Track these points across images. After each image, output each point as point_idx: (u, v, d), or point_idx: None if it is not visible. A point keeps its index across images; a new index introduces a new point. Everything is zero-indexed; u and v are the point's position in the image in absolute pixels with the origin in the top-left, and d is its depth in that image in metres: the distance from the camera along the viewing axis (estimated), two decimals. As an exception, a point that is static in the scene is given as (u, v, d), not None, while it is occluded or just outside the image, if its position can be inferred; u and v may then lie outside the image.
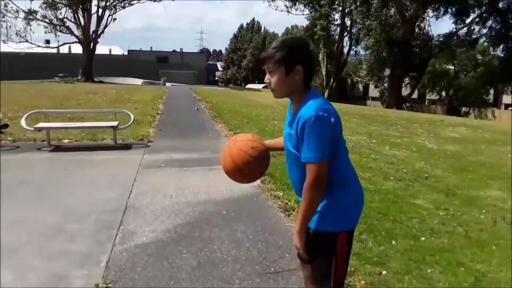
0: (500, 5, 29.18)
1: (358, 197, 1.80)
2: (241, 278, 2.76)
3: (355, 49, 36.60)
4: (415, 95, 38.85)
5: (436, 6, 29.75)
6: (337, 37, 36.19)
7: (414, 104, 36.57)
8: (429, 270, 2.91)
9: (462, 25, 30.67)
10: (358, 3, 30.72)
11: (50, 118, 7.92)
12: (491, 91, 40.66)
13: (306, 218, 1.66)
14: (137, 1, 33.13)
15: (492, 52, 33.89)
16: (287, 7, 35.78)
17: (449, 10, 30.39)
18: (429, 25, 43.47)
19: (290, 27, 60.62)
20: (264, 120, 10.75)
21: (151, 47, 69.59)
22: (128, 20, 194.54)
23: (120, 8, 32.93)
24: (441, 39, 30.98)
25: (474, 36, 31.29)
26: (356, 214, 1.79)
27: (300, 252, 1.73)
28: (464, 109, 37.03)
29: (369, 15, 28.26)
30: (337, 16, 35.36)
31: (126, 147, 7.28)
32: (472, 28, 30.95)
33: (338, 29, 36.05)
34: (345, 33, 36.70)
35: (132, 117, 7.93)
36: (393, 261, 3.01)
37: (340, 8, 34.08)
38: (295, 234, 1.70)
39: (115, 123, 7.45)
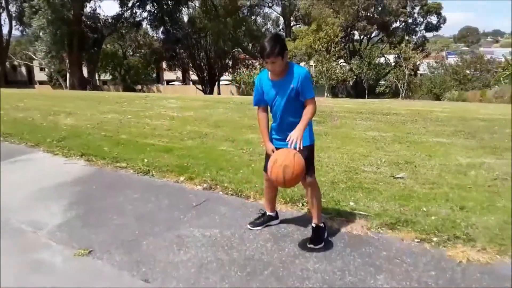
0: (155, -8, 33.41)
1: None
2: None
3: (21, 29, 32.61)
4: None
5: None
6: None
7: (96, 85, 36.96)
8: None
9: (126, 8, 33.24)
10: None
11: None
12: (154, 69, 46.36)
13: (305, 125, 2.71)
14: None
15: (154, 35, 38.48)
16: None
17: (112, -8, 32.17)
18: (99, 6, 43.75)
19: None
20: None
21: None
22: None
23: None
24: (110, 20, 32.53)
25: (137, 19, 34.66)
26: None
27: (298, 141, 2.61)
28: (138, 87, 40.79)
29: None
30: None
31: None
32: (134, 11, 34.11)
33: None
34: (1, 11, 31.96)
35: None
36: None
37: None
38: (299, 132, 2.63)
39: None
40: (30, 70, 50.91)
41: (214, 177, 4.33)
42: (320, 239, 2.94)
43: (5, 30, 34.06)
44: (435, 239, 2.96)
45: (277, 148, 2.85)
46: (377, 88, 28.62)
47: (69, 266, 2.68)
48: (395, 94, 26.65)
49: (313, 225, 2.98)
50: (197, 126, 7.56)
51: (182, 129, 7.20)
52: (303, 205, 3.63)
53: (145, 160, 4.99)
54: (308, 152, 2.81)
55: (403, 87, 26.12)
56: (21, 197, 3.91)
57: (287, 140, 2.63)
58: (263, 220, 3.23)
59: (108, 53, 39.82)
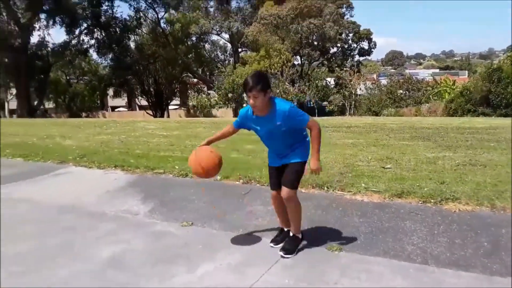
0: (102, 19, 33.63)
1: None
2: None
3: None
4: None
5: (47, 16, 30.45)
6: None
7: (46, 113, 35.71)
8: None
9: (73, 36, 33.01)
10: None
11: None
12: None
13: (318, 151, 2.97)
14: None
15: (102, 61, 38.25)
16: None
17: (59, 20, 31.92)
18: (48, 34, 42.39)
19: None
20: None
21: None
22: None
23: None
24: (57, 48, 32.08)
25: (84, 46, 34.47)
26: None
27: (320, 170, 3.03)
28: (83, 114, 39.93)
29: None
30: None
31: None
32: (82, 39, 33.97)
33: None
34: None
35: None
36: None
37: None
38: (317, 162, 2.98)
39: None
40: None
41: (245, 175, 5.29)
42: (292, 250, 3.11)
43: None
44: (432, 201, 4.17)
45: (275, 167, 3.15)
46: (326, 108, 30.97)
47: (182, 232, 3.53)
48: (341, 112, 29.05)
49: (290, 234, 3.22)
50: (196, 142, 8.42)
51: (184, 144, 8.03)
52: (328, 188, 4.72)
53: (176, 167, 5.81)
54: (299, 167, 3.04)
55: (350, 106, 28.63)
56: (94, 198, 4.60)
57: (310, 173, 3.09)
58: (283, 237, 3.31)
59: (52, 81, 38.84)
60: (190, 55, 37.42)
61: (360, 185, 4.76)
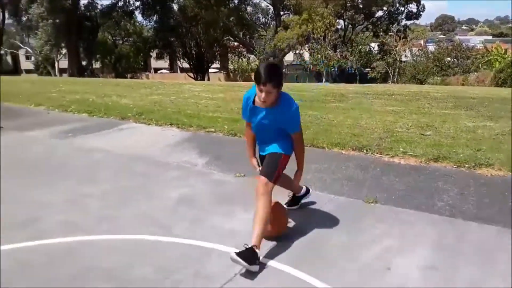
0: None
1: None
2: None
3: (15, 19, 32.72)
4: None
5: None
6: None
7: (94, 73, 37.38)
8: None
9: (119, -3, 33.77)
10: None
11: None
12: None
13: (302, 167, 2.99)
14: None
15: (146, 23, 39.03)
16: None
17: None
18: None
19: None
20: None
21: None
22: None
23: None
24: (104, 9, 33.04)
25: (130, 8, 35.22)
26: None
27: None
28: (128, 75, 41.37)
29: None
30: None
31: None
32: (128, 0, 34.67)
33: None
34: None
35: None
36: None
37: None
38: (300, 172, 3.00)
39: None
40: (15, 59, 50.50)
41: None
42: (249, 260, 2.45)
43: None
44: (466, 165, 4.45)
45: (260, 156, 3.04)
46: (368, 74, 30.44)
47: (237, 181, 4.07)
48: (384, 80, 28.50)
49: (247, 245, 2.49)
50: (239, 105, 8.89)
51: (230, 107, 8.52)
52: (367, 151, 5.08)
53: (225, 127, 6.32)
54: (279, 158, 2.83)
55: (393, 73, 28.00)
56: (157, 150, 5.23)
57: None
58: (296, 201, 3.46)
59: (99, 42, 40.23)
60: (232, 18, 37.33)
61: (398, 149, 5.08)
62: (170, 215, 3.34)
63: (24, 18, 32.45)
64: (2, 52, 47.33)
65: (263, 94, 2.60)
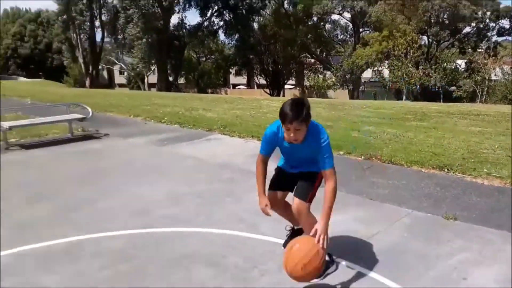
0: (232, 2, 35.96)
1: None
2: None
3: (112, 37, 36.64)
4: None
5: (183, -1, 33.80)
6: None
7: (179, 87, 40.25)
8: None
9: (205, 18, 36.09)
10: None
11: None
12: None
13: (329, 216, 2.53)
14: None
15: (228, 42, 41.10)
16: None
17: (193, 4, 35.22)
18: (185, 16, 47.17)
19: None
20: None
21: None
22: None
23: None
24: (192, 29, 35.52)
25: (214, 27, 37.39)
26: None
27: (325, 241, 2.46)
28: (209, 90, 43.73)
29: (130, 5, 29.37)
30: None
31: (86, 137, 7.19)
32: (212, 20, 36.90)
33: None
34: (94, 19, 36.09)
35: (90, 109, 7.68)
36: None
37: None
38: (326, 229, 2.49)
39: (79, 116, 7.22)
40: (110, 74, 55.98)
41: (366, 152, 5.87)
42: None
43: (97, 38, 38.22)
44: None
45: (288, 173, 2.85)
46: (454, 93, 28.86)
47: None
48: (471, 99, 26.81)
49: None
50: (318, 120, 9.17)
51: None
52: (448, 170, 5.06)
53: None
54: (315, 178, 2.74)
55: (482, 92, 26.27)
56: (241, 159, 5.73)
57: (312, 234, 2.50)
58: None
59: (185, 59, 43.16)
60: (310, 35, 37.86)
61: (482, 170, 5.00)
62: (256, 215, 3.73)
63: (120, 37, 36.11)
64: (100, 67, 52.95)
65: (291, 133, 2.48)
